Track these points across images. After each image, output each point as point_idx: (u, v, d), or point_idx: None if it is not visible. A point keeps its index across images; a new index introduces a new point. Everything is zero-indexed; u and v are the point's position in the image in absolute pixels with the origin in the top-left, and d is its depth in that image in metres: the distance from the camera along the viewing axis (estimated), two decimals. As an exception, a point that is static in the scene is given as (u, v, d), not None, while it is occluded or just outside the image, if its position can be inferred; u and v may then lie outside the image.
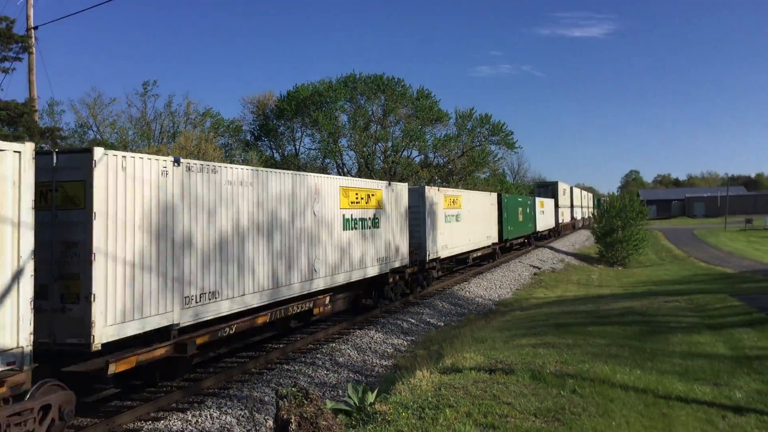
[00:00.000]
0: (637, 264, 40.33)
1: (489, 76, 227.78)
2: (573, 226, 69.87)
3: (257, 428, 9.56)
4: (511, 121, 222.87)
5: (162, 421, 9.37)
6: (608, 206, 43.86)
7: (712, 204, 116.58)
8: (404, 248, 19.82)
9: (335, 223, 15.35)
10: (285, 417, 6.15)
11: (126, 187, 9.10)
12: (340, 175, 43.90)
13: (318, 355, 13.52)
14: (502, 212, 33.81)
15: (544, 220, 49.54)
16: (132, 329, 9.09)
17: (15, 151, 7.46)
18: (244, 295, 11.71)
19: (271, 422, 9.24)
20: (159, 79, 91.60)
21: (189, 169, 10.40)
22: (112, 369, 8.80)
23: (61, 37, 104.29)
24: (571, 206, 68.06)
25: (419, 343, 15.57)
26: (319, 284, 14.52)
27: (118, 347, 9.08)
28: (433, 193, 22.68)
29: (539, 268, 33.67)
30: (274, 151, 52.94)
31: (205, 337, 10.78)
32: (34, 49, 21.55)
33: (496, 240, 32.70)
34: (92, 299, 8.40)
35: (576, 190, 75.15)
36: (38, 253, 7.81)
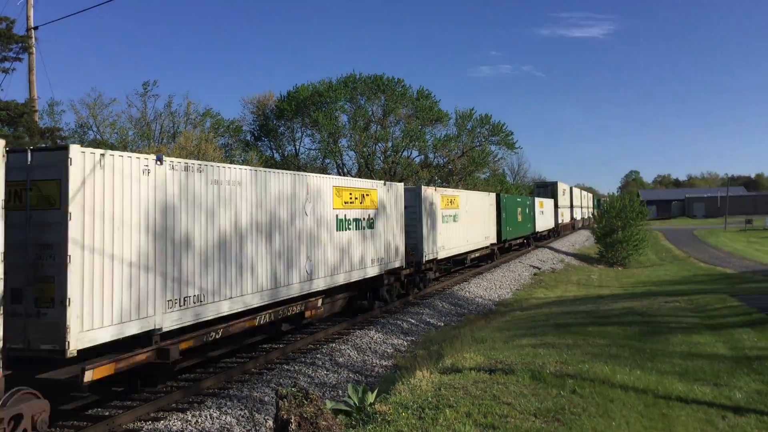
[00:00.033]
0: (637, 264, 40.34)
1: (489, 76, 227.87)
2: (573, 226, 69.82)
3: (257, 428, 9.56)
4: (511, 122, 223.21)
5: (162, 422, 9.36)
6: (608, 206, 43.86)
7: (712, 204, 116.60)
8: (400, 249, 19.52)
9: (328, 223, 15.01)
10: (285, 417, 6.15)
11: (104, 187, 8.75)
12: (340, 175, 43.90)
13: (318, 355, 13.52)
14: (500, 212, 33.54)
15: (544, 221, 49.33)
16: (110, 335, 8.72)
17: None
18: (231, 298, 11.33)
19: (270, 422, 9.24)
20: (159, 80, 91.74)
21: (173, 168, 10.03)
22: (89, 376, 8.44)
23: (61, 38, 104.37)
24: (571, 206, 68.00)
25: (419, 344, 15.56)
26: (311, 286, 14.20)
27: (99, 353, 8.77)
28: (430, 193, 22.40)
29: (539, 269, 33.67)
30: (274, 152, 52.98)
31: (189, 342, 10.37)
32: (34, 49, 21.55)
33: (494, 241, 32.40)
34: (67, 303, 8.02)
35: (576, 191, 75.10)
36: (12, 256, 7.54)
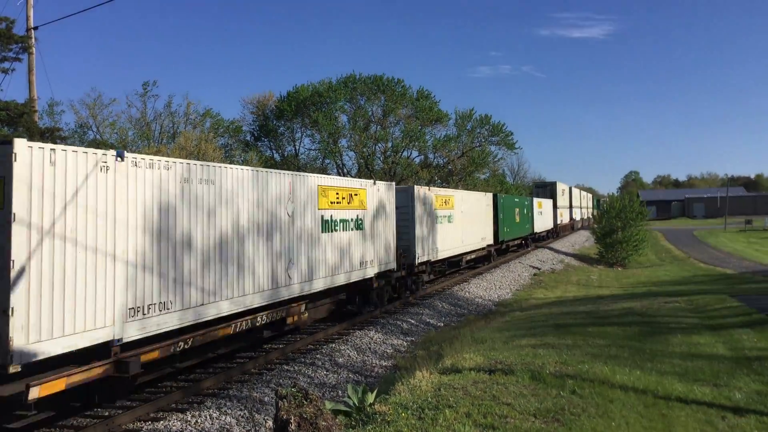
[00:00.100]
0: (637, 265, 40.34)
1: (489, 76, 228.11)
2: (572, 227, 69.73)
3: (257, 428, 9.56)
4: (510, 122, 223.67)
5: (161, 422, 9.36)
6: (608, 207, 43.85)
7: (712, 205, 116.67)
8: (391, 251, 18.85)
9: (313, 225, 14.34)
10: (284, 417, 6.14)
11: (55, 185, 8.01)
12: (340, 175, 43.90)
13: (318, 356, 13.52)
14: (497, 213, 33.11)
15: (542, 221, 49.06)
16: (61, 347, 7.97)
17: None
18: (202, 305, 10.56)
19: (270, 423, 9.24)
20: (159, 80, 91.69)
21: (136, 165, 9.31)
22: (35, 393, 7.67)
23: (61, 38, 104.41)
24: (570, 207, 67.87)
25: (419, 344, 15.56)
26: (294, 291, 13.46)
27: (51, 366, 8.15)
28: (423, 193, 21.80)
29: (539, 269, 33.67)
30: (274, 152, 52.97)
31: (153, 353, 9.64)
32: (33, 49, 21.55)
33: (491, 242, 31.85)
34: (10, 313, 7.35)
35: (575, 191, 74.98)
36: None
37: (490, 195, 32.90)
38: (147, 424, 9.33)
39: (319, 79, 56.24)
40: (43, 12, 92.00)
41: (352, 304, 17.44)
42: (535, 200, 46.90)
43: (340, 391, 11.42)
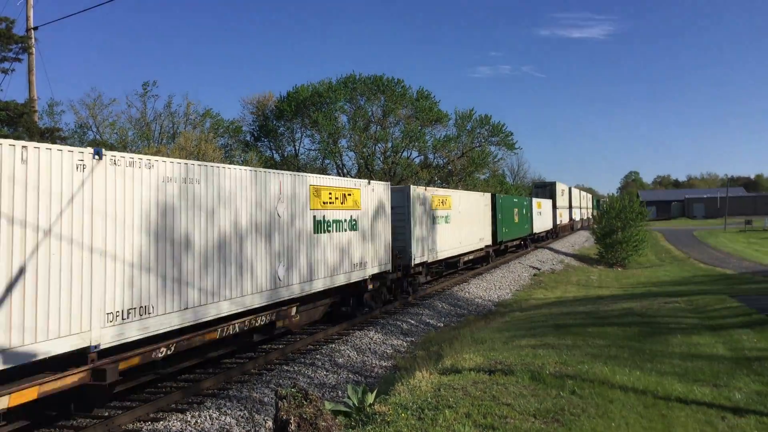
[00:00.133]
0: (637, 265, 40.34)
1: (489, 76, 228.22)
2: (571, 227, 69.65)
3: (256, 429, 9.56)
4: (510, 122, 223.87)
5: (161, 422, 9.36)
6: (608, 207, 43.85)
7: (712, 205, 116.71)
8: (386, 252, 18.50)
9: (304, 225, 13.98)
10: (284, 418, 6.14)
11: (27, 184, 7.69)
12: (339, 176, 43.90)
13: (317, 356, 13.52)
14: (496, 213, 32.80)
15: (542, 222, 48.85)
16: (32, 354, 7.64)
17: None
18: (185, 309, 10.16)
19: (270, 423, 9.24)
20: (159, 80, 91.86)
21: (115, 163, 8.93)
22: (4, 403, 7.31)
23: (61, 38, 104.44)
24: (570, 207, 67.80)
25: (419, 344, 15.56)
26: (284, 294, 13.07)
27: (32, 372, 7.88)
28: (419, 193, 21.45)
29: (539, 269, 33.66)
30: (274, 152, 52.97)
31: (133, 360, 9.24)
32: (33, 49, 21.56)
33: (489, 242, 31.54)
34: None
35: (575, 191, 74.90)
36: None
37: (488, 195, 32.59)
38: (147, 424, 9.32)
39: (319, 80, 56.32)
40: (43, 12, 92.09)
41: (347, 306, 17.11)
42: (534, 200, 46.70)
43: (339, 392, 11.42)
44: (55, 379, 8.06)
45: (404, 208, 20.32)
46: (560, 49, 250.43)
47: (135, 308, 9.18)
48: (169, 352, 10.03)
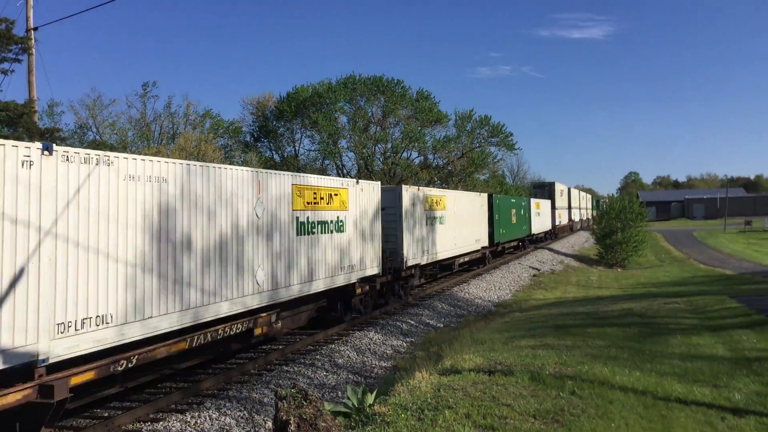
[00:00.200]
0: (637, 265, 40.35)
1: (488, 77, 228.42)
2: (571, 228, 69.58)
3: (256, 429, 9.55)
4: (510, 123, 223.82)
5: (161, 423, 9.36)
6: (608, 208, 43.85)
7: (712, 205, 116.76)
8: (376, 255, 17.87)
9: (286, 227, 13.33)
10: (284, 418, 6.14)
11: None
12: (339, 176, 43.88)
13: (317, 357, 13.52)
14: (493, 214, 32.23)
15: (540, 222, 48.58)
16: None
17: None
18: (150, 318, 9.41)
19: (270, 423, 9.24)
20: (158, 80, 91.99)
21: (68, 160, 8.20)
22: None
23: (61, 38, 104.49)
24: (569, 208, 67.73)
25: (418, 345, 15.56)
26: (262, 299, 12.38)
27: None
28: (411, 193, 20.91)
29: (538, 270, 33.66)
30: (274, 153, 52.97)
31: (87, 374, 8.53)
32: (33, 50, 21.56)
33: (486, 244, 31.00)
34: None
35: (574, 191, 74.79)
36: None
37: (485, 195, 32.14)
38: (147, 424, 9.32)
39: (318, 80, 56.32)
40: (43, 12, 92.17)
41: (334, 310, 16.55)
42: (533, 201, 46.50)
43: (339, 392, 11.41)
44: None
45: (395, 209, 19.81)
46: (560, 49, 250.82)
47: (90, 318, 8.41)
48: (130, 365, 9.30)
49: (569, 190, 69.14)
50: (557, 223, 58.48)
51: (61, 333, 7.98)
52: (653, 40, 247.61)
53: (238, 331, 11.94)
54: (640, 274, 35.60)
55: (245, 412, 10.05)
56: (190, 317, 10.35)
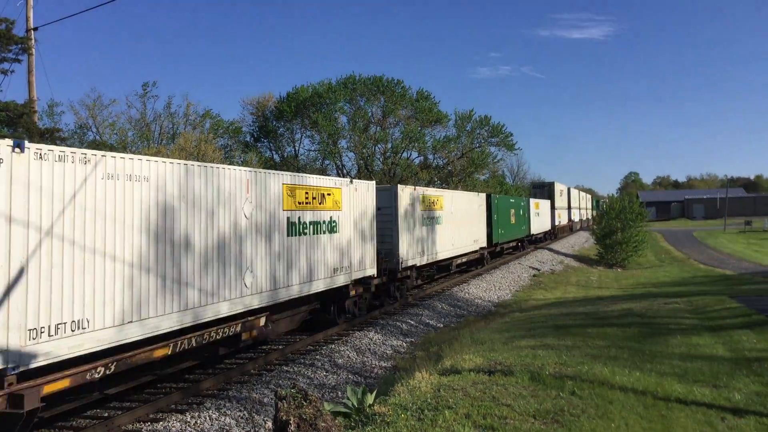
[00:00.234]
0: (637, 266, 40.36)
1: (488, 77, 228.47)
2: (570, 228, 69.50)
3: (256, 429, 9.55)
4: (510, 123, 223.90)
5: (161, 423, 9.35)
6: (608, 208, 43.85)
7: (712, 206, 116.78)
8: (370, 256, 17.57)
9: (276, 227, 12.99)
10: (284, 418, 6.14)
11: None
12: (339, 176, 43.89)
13: (317, 357, 13.52)
14: (491, 214, 31.90)
15: (540, 222, 48.31)
16: None
17: None
18: (128, 322, 8.98)
19: (270, 424, 9.24)
20: (158, 80, 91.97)
21: (41, 157, 7.84)
22: None
23: (61, 38, 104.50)
24: (569, 208, 67.64)
25: (418, 345, 15.57)
26: (250, 302, 12.03)
27: None
28: (407, 193, 20.52)
29: (538, 270, 33.67)
30: (274, 153, 52.97)
31: (62, 382, 8.14)
32: (33, 50, 21.57)
33: (484, 244, 30.60)
34: None
35: (574, 191, 74.68)
36: None
37: (483, 195, 31.79)
38: (146, 425, 9.32)
39: (318, 80, 56.28)
40: (43, 12, 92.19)
41: (328, 313, 16.25)
42: (532, 201, 46.27)
43: (339, 392, 11.41)
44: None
45: (391, 209, 19.46)
46: (560, 49, 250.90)
47: (66, 323, 7.99)
48: (108, 372, 8.92)
49: (569, 190, 69.08)
50: (557, 223, 58.35)
51: (33, 339, 7.61)
52: (653, 40, 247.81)
53: (224, 335, 11.59)
54: (640, 274, 35.61)
55: (245, 412, 10.05)
56: (172, 322, 9.91)
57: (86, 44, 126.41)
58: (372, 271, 17.76)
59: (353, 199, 16.69)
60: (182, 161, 10.76)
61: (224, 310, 11.31)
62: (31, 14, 21.83)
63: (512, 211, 37.95)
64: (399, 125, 50.38)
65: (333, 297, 16.10)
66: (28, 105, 21.18)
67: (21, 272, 7.50)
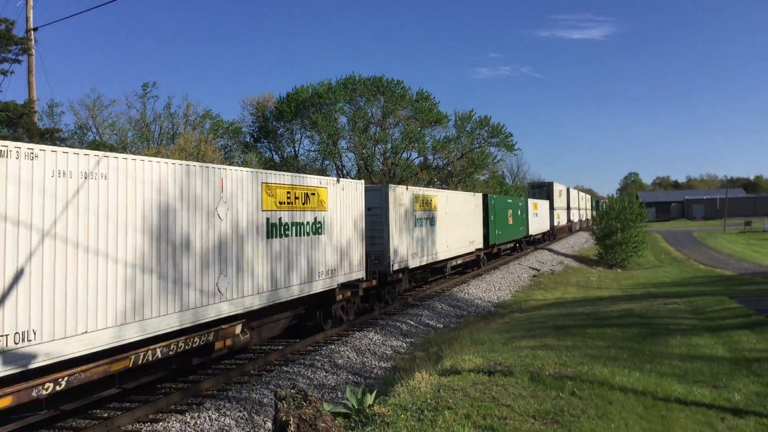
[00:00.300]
0: (637, 266, 40.37)
1: (488, 77, 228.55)
2: (570, 228, 69.31)
3: (256, 430, 9.55)
4: (510, 123, 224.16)
5: (161, 423, 9.35)
6: (607, 208, 43.85)
7: (711, 206, 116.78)
8: (358, 258, 16.89)
9: (255, 229, 12.35)
10: (284, 419, 6.14)
11: None
12: (339, 176, 43.87)
13: (317, 357, 13.51)
14: (488, 215, 31.29)
15: (538, 223, 47.93)
16: None
17: None
18: (83, 333, 8.25)
19: (269, 424, 9.24)
20: (158, 80, 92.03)
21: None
22: None
23: (61, 38, 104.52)
24: (568, 208, 67.42)
25: (418, 345, 15.56)
26: (224, 309, 11.32)
27: None
28: (399, 192, 19.82)
29: (538, 270, 33.67)
30: (274, 153, 52.98)
31: (2, 400, 7.46)
32: (33, 50, 21.57)
33: (480, 246, 30.03)
34: None
35: (573, 192, 74.36)
36: None
37: (479, 195, 31.18)
38: (146, 425, 9.32)
39: (318, 81, 56.31)
40: (43, 12, 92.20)
41: (313, 319, 15.58)
42: (530, 201, 45.91)
43: (339, 393, 11.41)
44: None
45: (381, 210, 18.78)
46: (560, 49, 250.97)
47: (8, 335, 7.32)
48: (58, 388, 8.20)
49: (568, 190, 68.92)
50: (556, 223, 58.13)
51: None
52: (653, 40, 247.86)
53: (195, 344, 10.80)
54: (639, 274, 35.62)
55: (245, 412, 10.05)
56: (133, 331, 9.21)
57: (86, 44, 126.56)
58: (360, 274, 17.07)
59: (340, 199, 16.02)
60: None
61: (186, 319, 10.40)
62: (31, 14, 21.83)
63: (510, 211, 37.48)
64: (399, 126, 50.38)
65: (319, 302, 15.46)
66: (27, 105, 21.18)
67: None
